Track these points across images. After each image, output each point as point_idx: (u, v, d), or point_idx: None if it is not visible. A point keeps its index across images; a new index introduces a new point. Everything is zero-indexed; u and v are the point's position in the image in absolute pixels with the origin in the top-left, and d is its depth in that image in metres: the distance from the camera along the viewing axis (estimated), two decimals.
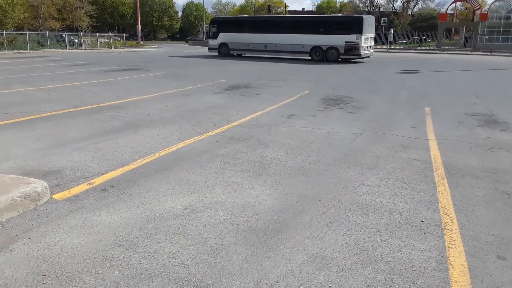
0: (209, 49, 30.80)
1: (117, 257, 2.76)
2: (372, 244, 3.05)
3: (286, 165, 4.93)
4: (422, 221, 3.47)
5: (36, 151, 5.27)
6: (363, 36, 23.75)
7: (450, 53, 38.92)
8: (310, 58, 25.71)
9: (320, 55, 25.26)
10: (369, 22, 25.23)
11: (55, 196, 3.78)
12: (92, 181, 4.23)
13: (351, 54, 24.32)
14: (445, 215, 3.61)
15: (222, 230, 3.21)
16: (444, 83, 15.16)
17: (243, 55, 29.49)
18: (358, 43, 23.71)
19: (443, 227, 3.38)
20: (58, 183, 4.14)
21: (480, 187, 4.36)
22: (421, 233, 3.26)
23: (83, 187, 4.05)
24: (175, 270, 2.64)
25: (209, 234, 3.14)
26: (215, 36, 29.78)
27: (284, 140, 6.10)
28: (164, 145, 5.66)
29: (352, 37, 23.85)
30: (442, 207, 3.79)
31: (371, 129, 6.97)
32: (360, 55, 24.09)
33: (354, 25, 24.11)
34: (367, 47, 24.73)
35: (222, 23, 30.61)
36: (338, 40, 24.36)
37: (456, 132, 6.91)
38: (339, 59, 24.95)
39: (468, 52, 39.31)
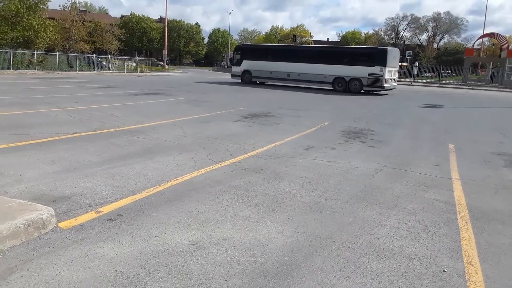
0: (232, 75, 31.14)
1: None
2: None
3: (301, 201, 4.75)
4: (444, 271, 3.22)
5: (50, 174, 5.25)
6: (387, 68, 23.56)
7: (475, 89, 38.31)
8: (332, 88, 25.60)
9: (343, 86, 25.13)
10: (394, 54, 25.15)
11: (61, 224, 3.69)
12: (101, 209, 4.14)
13: (374, 86, 24.12)
14: (469, 265, 3.35)
15: (228, 271, 3.03)
16: (469, 119, 14.79)
17: (266, 83, 29.62)
18: (381, 75, 23.48)
19: (466, 279, 3.12)
20: (66, 210, 4.06)
21: (507, 234, 4.08)
22: (442, 284, 3.01)
23: (90, 215, 3.96)
24: None
25: (214, 274, 2.97)
26: (238, 63, 30.12)
27: (301, 173, 5.93)
28: (178, 174, 5.57)
29: (375, 69, 23.65)
30: (465, 255, 3.53)
31: (392, 165, 6.74)
32: (383, 87, 23.87)
33: (378, 57, 23.97)
34: (391, 79, 24.49)
35: (246, 51, 31.01)
36: (361, 71, 24.24)
37: (481, 172, 6.60)
38: (362, 91, 24.76)
39: (495, 89, 38.63)
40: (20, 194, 4.38)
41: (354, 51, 28.34)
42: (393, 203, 4.83)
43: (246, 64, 29.45)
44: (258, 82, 29.70)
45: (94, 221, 3.84)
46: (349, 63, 24.94)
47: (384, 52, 24.07)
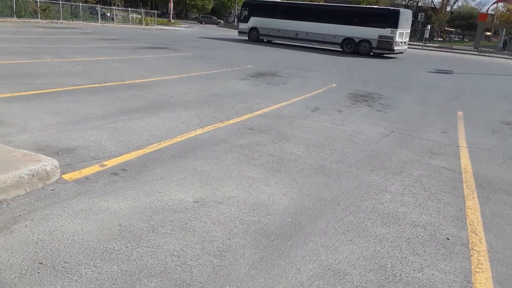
0: (239, 32, 30.30)
1: (118, 250, 2.62)
2: (391, 260, 2.82)
3: (306, 163, 4.71)
4: (448, 239, 3.21)
5: (54, 126, 5.20)
6: (398, 31, 22.77)
7: (487, 55, 37.44)
8: (341, 49, 25.01)
9: (352, 47, 24.50)
10: (406, 16, 24.18)
11: (65, 176, 3.67)
12: (105, 163, 4.11)
13: (384, 49, 23.48)
14: (473, 234, 3.34)
15: (232, 230, 3.03)
16: (479, 87, 14.52)
17: (273, 41, 28.91)
18: (392, 38, 22.79)
19: (470, 248, 3.12)
20: (70, 162, 4.04)
21: None
22: (446, 252, 3.01)
23: (94, 168, 3.94)
24: (177, 271, 2.48)
25: (217, 232, 2.97)
26: (246, 20, 29.22)
27: (307, 135, 5.86)
28: (183, 130, 5.51)
29: (386, 31, 22.95)
30: (470, 224, 3.52)
31: (399, 130, 6.65)
32: (393, 50, 23.22)
33: (389, 19, 23.12)
34: (402, 42, 23.73)
35: (254, 7, 29.54)
36: (371, 33, 23.52)
37: (489, 141, 6.52)
38: (371, 53, 24.23)
39: (507, 56, 37.72)
40: (24, 144, 4.35)
41: (365, 11, 27.09)
42: (399, 169, 4.79)
43: (254, 21, 28.60)
44: (265, 40, 28.93)
45: (98, 174, 3.82)
46: (359, 24, 24.08)
47: (397, 14, 23.15)
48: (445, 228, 3.39)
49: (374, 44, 23.61)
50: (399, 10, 24.06)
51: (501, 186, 4.54)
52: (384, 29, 23.03)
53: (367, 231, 3.21)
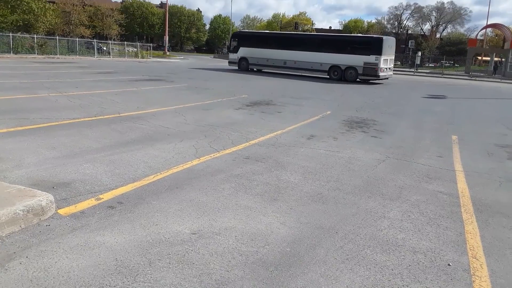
0: (229, 62, 30.85)
1: (114, 286, 2.57)
2: None
3: (303, 191, 4.69)
4: (449, 265, 3.17)
5: (50, 160, 5.19)
6: (382, 58, 23.49)
7: (478, 80, 38.08)
8: (328, 77, 25.61)
9: (339, 74, 25.13)
10: (389, 43, 25.02)
11: (61, 211, 3.64)
12: (101, 196, 4.08)
13: (369, 75, 24.12)
14: (474, 259, 3.31)
15: (230, 261, 2.99)
16: (473, 110, 14.69)
17: (263, 70, 29.37)
18: (377, 64, 23.46)
19: (471, 273, 3.08)
20: (66, 196, 4.01)
21: None
22: (447, 278, 2.97)
23: (90, 202, 3.91)
24: None
25: (216, 264, 2.92)
26: (235, 50, 29.92)
27: (303, 163, 5.87)
28: (179, 161, 5.50)
29: (371, 58, 23.65)
30: (470, 249, 3.49)
31: (395, 156, 6.68)
32: (378, 76, 23.87)
33: (373, 46, 23.96)
34: (386, 68, 24.46)
35: (243, 38, 30.72)
36: (357, 60, 24.21)
37: (485, 164, 6.55)
38: (358, 80, 24.75)
39: (498, 80, 38.37)
40: (19, 180, 4.33)
41: (350, 39, 28.14)
42: (396, 195, 4.78)
43: (243, 51, 29.27)
44: (255, 69, 29.49)
45: (94, 208, 3.79)
46: (345, 52, 24.85)
47: (380, 41, 24.05)
48: (445, 254, 3.35)
49: (360, 71, 24.24)
50: (382, 37, 24.94)
51: (499, 210, 4.53)
52: (369, 56, 23.71)
53: (367, 259, 3.17)
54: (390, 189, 4.96)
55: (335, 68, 25.20)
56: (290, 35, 32.96)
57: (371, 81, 25.07)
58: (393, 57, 26.23)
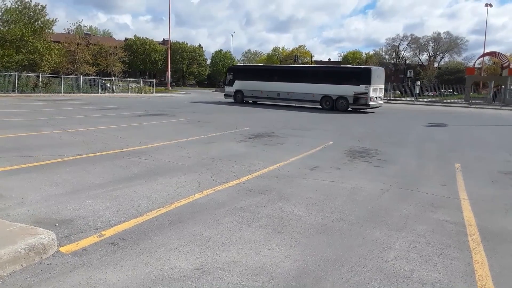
0: (225, 95, 31.62)
1: None
2: None
3: (307, 223, 4.65)
4: None
5: (52, 197, 5.18)
6: (372, 87, 24.12)
7: (478, 107, 38.32)
8: (320, 107, 26.31)
9: (330, 104, 25.82)
10: (378, 73, 25.78)
11: (62, 249, 3.60)
12: (103, 232, 4.05)
13: (360, 104, 24.71)
14: None
15: None
16: (474, 138, 14.71)
17: (258, 102, 30.20)
18: (366, 94, 24.05)
19: None
20: (68, 234, 3.98)
21: None
22: None
23: (92, 239, 3.87)
24: None
25: None
26: (231, 84, 30.78)
27: (306, 194, 5.84)
28: (182, 195, 5.49)
29: (361, 88, 24.25)
30: (479, 279, 3.41)
31: (398, 185, 6.64)
32: (368, 105, 24.43)
33: (363, 76, 24.64)
34: (376, 97, 25.08)
35: (238, 71, 31.79)
36: (347, 90, 24.87)
37: (489, 192, 6.49)
38: (349, 109, 25.37)
39: (497, 107, 38.60)
40: (21, 218, 4.31)
41: (340, 70, 29.05)
42: (401, 225, 4.72)
43: (238, 84, 30.17)
44: (250, 101, 30.31)
45: (96, 245, 3.75)
46: (336, 82, 25.56)
47: (368, 71, 24.89)
48: (454, 285, 3.28)
49: (351, 100, 24.87)
50: (370, 68, 26.24)
51: (506, 237, 4.46)
52: (359, 86, 24.36)
53: None
54: (395, 219, 4.91)
55: (326, 98, 25.93)
56: (283, 68, 34.10)
57: (362, 110, 25.54)
58: (383, 87, 26.94)
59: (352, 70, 27.82)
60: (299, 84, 27.00)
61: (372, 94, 24.16)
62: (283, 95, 27.72)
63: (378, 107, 26.33)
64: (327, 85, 25.80)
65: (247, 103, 29.62)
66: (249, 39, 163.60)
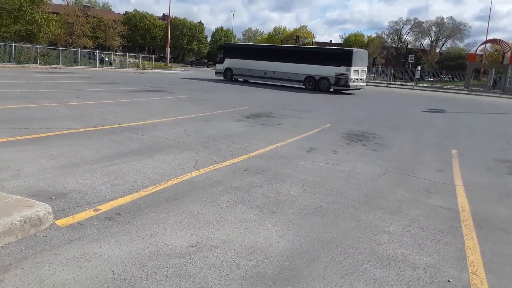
0: (216, 73, 32.34)
1: None
2: None
3: (303, 204, 4.67)
4: (449, 281, 3.14)
5: (49, 170, 5.17)
6: (353, 69, 24.86)
7: (478, 95, 38.23)
8: (304, 87, 27.04)
9: (313, 85, 26.59)
10: (360, 55, 26.53)
11: (58, 222, 3.61)
12: (99, 207, 4.06)
13: (340, 85, 25.42)
14: (474, 275, 3.28)
15: (228, 275, 2.95)
16: (472, 125, 14.71)
17: (247, 80, 30.82)
18: (347, 75, 24.79)
19: None
20: (64, 207, 3.98)
21: None
22: None
23: (88, 213, 3.88)
24: None
25: (213, 278, 2.89)
26: (221, 61, 31.46)
27: (302, 176, 5.85)
28: (178, 173, 5.49)
29: (342, 69, 25.00)
30: (470, 265, 3.45)
31: (394, 170, 6.66)
32: (349, 86, 25.18)
33: (344, 58, 25.35)
34: (357, 79, 25.82)
35: (228, 49, 32.44)
36: (329, 71, 25.63)
37: (485, 179, 6.53)
38: (330, 90, 26.13)
39: (497, 95, 38.51)
40: (17, 190, 4.31)
41: (323, 51, 29.65)
42: (396, 209, 4.75)
43: (228, 62, 30.81)
44: (239, 79, 30.95)
45: (92, 219, 3.76)
46: (319, 63, 26.21)
47: (350, 53, 25.55)
48: (445, 270, 3.32)
49: (332, 81, 25.63)
50: (352, 50, 26.87)
51: (499, 225, 4.50)
52: (340, 67, 25.07)
53: (367, 274, 3.14)
54: (390, 203, 4.94)
55: (310, 78, 26.71)
56: (270, 47, 35.54)
57: (343, 91, 26.41)
58: (365, 69, 27.62)
59: (334, 52, 28.49)
60: (284, 63, 27.63)
61: (352, 76, 24.87)
62: (269, 74, 28.41)
63: (359, 89, 27.25)
64: (310, 65, 26.50)
65: (245, 82, 29.71)
66: (251, 17, 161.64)
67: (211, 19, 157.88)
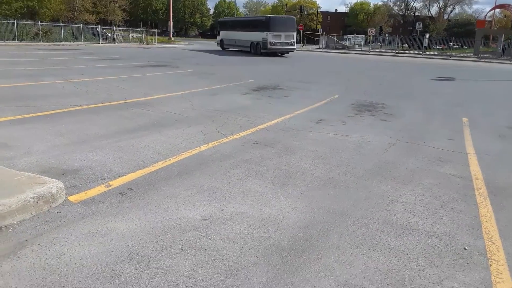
0: (217, 44, 38.69)
1: (127, 273, 2.56)
2: (408, 273, 2.74)
3: (314, 175, 4.64)
4: (465, 249, 3.12)
5: (58, 147, 5.17)
6: (271, 34, 28.99)
7: (487, 61, 37.51)
8: (250, 51, 31.42)
9: (254, 49, 30.92)
10: (280, 21, 30.69)
11: (71, 198, 3.62)
12: (111, 183, 4.06)
13: (264, 48, 29.52)
14: (489, 242, 3.25)
15: (242, 247, 2.96)
16: (482, 92, 14.47)
17: (229, 48, 36.03)
18: (266, 39, 29.05)
19: (488, 257, 3.03)
20: (76, 183, 3.99)
21: None
22: (463, 262, 2.92)
23: (100, 189, 3.89)
24: None
25: (228, 250, 2.90)
26: (218, 34, 38.21)
27: (312, 147, 5.80)
28: (187, 147, 5.46)
29: (264, 34, 29.35)
30: (486, 233, 3.43)
31: (405, 139, 6.59)
32: (268, 49, 29.22)
33: (264, 24, 29.69)
34: (279, 43, 29.57)
35: (221, 23, 38.97)
36: (258, 37, 30.03)
37: (497, 147, 6.45)
38: (262, 51, 29.86)
39: (507, 61, 37.77)
40: (28, 167, 4.32)
41: (256, 20, 34.32)
42: (408, 178, 4.71)
43: (221, 34, 37.01)
44: (229, 49, 35.90)
45: (104, 195, 3.77)
46: (254, 31, 30.69)
47: (268, 20, 30.30)
48: (460, 238, 3.30)
49: (261, 45, 29.79)
50: (269, 17, 32.49)
51: None
52: (263, 33, 29.44)
53: (381, 244, 3.12)
54: (401, 173, 4.89)
55: (252, 43, 31.13)
56: (235, 20, 42.23)
57: (274, 54, 30.53)
58: (293, 34, 30.72)
59: (259, 20, 33.05)
60: (241, 32, 32.95)
61: (271, 39, 29.01)
62: (238, 42, 33.60)
63: (287, 52, 31.51)
64: (251, 33, 31.10)
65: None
66: None
67: None
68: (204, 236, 3.08)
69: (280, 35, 29.46)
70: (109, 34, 41.90)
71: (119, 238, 2.98)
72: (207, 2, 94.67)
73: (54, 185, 3.47)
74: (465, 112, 9.57)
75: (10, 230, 3.00)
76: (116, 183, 4.07)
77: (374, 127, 7.46)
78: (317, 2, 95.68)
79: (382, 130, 7.17)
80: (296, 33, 31.96)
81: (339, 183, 4.45)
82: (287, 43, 30.17)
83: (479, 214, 3.81)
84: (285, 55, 31.87)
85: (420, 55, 43.25)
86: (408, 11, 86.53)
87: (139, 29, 46.75)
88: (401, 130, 7.25)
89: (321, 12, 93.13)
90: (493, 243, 3.25)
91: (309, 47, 59.95)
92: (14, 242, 2.85)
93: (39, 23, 33.75)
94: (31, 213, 3.22)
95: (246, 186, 4.21)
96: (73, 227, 3.11)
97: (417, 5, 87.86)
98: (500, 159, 5.74)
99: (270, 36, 28.98)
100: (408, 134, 7.00)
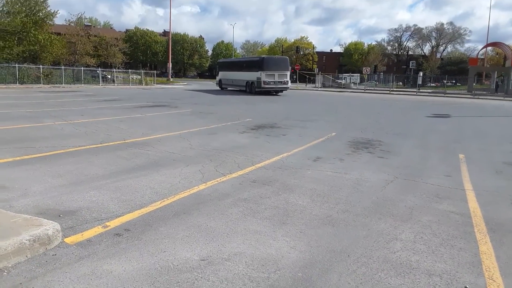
0: (216, 83, 40.37)
1: None
2: None
3: (312, 213, 4.62)
4: (466, 287, 3.07)
5: (56, 188, 5.16)
6: (265, 73, 30.23)
7: (481, 98, 38.14)
8: (245, 90, 32.54)
9: (249, 88, 31.98)
10: (273, 61, 32.31)
11: (67, 240, 3.58)
12: (108, 223, 4.03)
13: (258, 87, 30.57)
14: (490, 280, 3.21)
15: None
16: (478, 129, 14.63)
17: (227, 88, 37.09)
18: (260, 78, 30.26)
19: None
20: (72, 224, 3.96)
21: None
22: None
23: (97, 230, 3.85)
24: None
25: None
26: (217, 74, 39.73)
27: (310, 185, 5.81)
28: (185, 186, 5.46)
29: (257, 74, 30.61)
30: (486, 270, 3.39)
31: (403, 176, 6.60)
32: (262, 88, 30.31)
33: (258, 64, 31.12)
34: (272, 82, 30.70)
35: (220, 64, 40.63)
36: (253, 76, 31.24)
37: (494, 183, 6.45)
38: (256, 90, 30.77)
39: (500, 98, 38.40)
40: (25, 209, 4.30)
41: (250, 61, 36.64)
42: (407, 216, 4.69)
43: (220, 75, 38.61)
44: (227, 88, 36.95)
45: (101, 236, 3.73)
46: (249, 71, 32.10)
47: (261, 60, 31.79)
48: (461, 276, 3.26)
49: (255, 85, 30.87)
50: (263, 57, 33.51)
51: None
52: (257, 72, 30.72)
53: (382, 283, 3.08)
54: (400, 210, 4.88)
55: (247, 83, 32.26)
56: (231, 61, 43.73)
57: (267, 93, 31.51)
58: (283, 73, 31.56)
59: (253, 60, 35.26)
60: (237, 72, 34.51)
61: (265, 79, 30.18)
62: (235, 81, 34.82)
63: (281, 91, 32.54)
64: (246, 72, 32.52)
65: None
66: (252, 29, 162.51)
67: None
68: (202, 277, 3.04)
69: (274, 74, 30.70)
70: (109, 76, 42.65)
71: (115, 281, 2.93)
72: (205, 44, 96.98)
73: (50, 227, 3.45)
74: (461, 149, 9.64)
75: (5, 273, 2.95)
76: (113, 223, 4.04)
77: (371, 164, 7.49)
78: (313, 43, 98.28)
79: (380, 167, 7.20)
80: (289, 73, 32.97)
81: (338, 221, 4.43)
82: (281, 82, 31.30)
83: (479, 251, 3.77)
84: (279, 93, 33.02)
85: (415, 93, 44.00)
86: (402, 50, 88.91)
87: (138, 71, 47.65)
88: (398, 167, 7.28)
89: (316, 52, 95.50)
90: (494, 281, 3.20)
91: (302, 85, 60.99)
92: (8, 285, 2.80)
93: (40, 66, 34.43)
94: (27, 256, 3.18)
95: (245, 225, 4.18)
96: (68, 270, 3.06)
97: (410, 44, 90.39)
98: (498, 195, 5.74)
99: (263, 76, 30.21)
100: (406, 171, 7.03)
